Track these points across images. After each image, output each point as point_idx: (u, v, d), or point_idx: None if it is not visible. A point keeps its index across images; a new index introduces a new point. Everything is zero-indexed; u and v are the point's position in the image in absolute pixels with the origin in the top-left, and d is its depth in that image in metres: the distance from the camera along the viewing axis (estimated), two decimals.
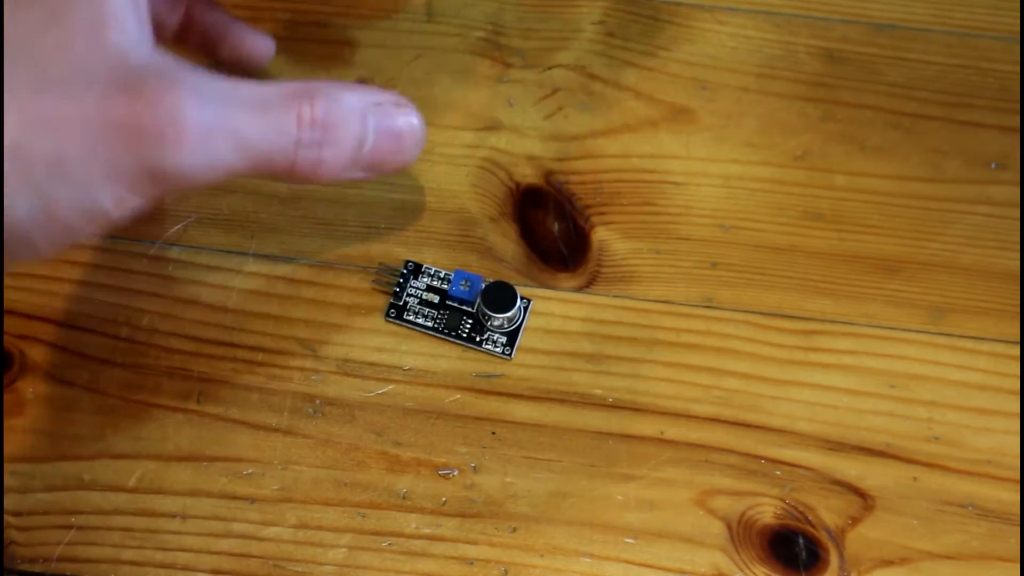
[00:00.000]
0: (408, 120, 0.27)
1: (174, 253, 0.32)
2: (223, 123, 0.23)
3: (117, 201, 0.23)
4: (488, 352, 0.31)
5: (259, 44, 0.32)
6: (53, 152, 0.22)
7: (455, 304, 0.31)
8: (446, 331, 0.31)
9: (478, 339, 0.31)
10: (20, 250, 0.23)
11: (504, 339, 0.31)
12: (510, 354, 0.31)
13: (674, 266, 0.33)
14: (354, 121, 0.26)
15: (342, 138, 0.25)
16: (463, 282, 0.31)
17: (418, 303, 0.31)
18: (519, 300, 0.31)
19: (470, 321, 0.31)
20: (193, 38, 0.32)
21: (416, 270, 0.32)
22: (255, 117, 0.24)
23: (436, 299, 0.31)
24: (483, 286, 0.31)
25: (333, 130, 0.25)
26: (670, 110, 0.35)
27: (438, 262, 0.32)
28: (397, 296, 0.31)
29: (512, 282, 0.31)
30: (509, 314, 0.31)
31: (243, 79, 0.24)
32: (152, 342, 0.31)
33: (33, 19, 0.23)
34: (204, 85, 0.23)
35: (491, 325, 0.31)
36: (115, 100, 0.22)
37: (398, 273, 0.32)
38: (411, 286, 0.32)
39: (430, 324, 0.31)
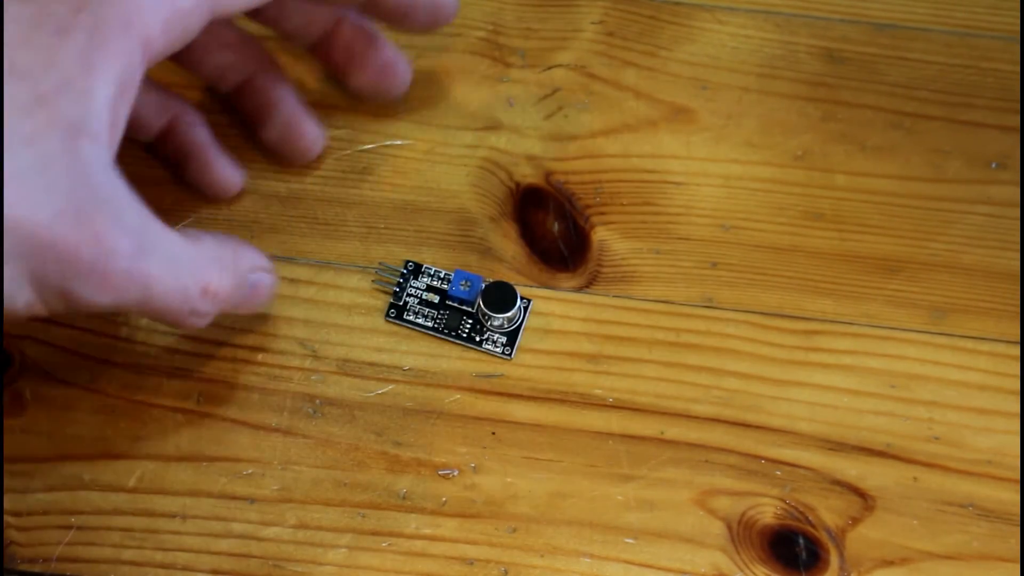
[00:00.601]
0: (271, 283, 0.29)
1: None
2: (141, 275, 0.24)
3: (27, 306, 0.24)
4: (488, 352, 0.31)
5: (226, 177, 0.32)
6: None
7: (455, 304, 0.31)
8: (446, 331, 0.31)
9: (478, 339, 0.31)
10: None
11: (504, 339, 0.31)
12: (510, 354, 0.31)
13: (674, 266, 0.33)
14: (239, 287, 0.28)
15: (223, 301, 0.27)
16: (463, 282, 0.31)
17: (418, 303, 0.31)
18: (519, 300, 0.31)
19: (470, 321, 0.31)
20: (165, 149, 0.32)
21: (416, 270, 0.32)
22: (168, 278, 0.25)
23: (436, 299, 0.31)
24: (483, 286, 0.31)
25: (222, 300, 0.27)
26: (670, 110, 0.35)
27: (438, 262, 0.32)
28: (397, 296, 0.31)
29: (512, 282, 0.31)
30: (509, 314, 0.31)
31: (169, 229, 0.25)
32: (152, 342, 0.31)
33: (21, 97, 0.23)
34: (140, 228, 0.24)
35: (491, 325, 0.31)
36: (65, 219, 0.23)
37: (398, 273, 0.32)
38: (411, 286, 0.32)
39: (430, 324, 0.31)
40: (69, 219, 0.23)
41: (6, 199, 0.22)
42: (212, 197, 0.32)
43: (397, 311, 0.31)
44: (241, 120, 0.33)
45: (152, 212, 0.25)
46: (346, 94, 0.34)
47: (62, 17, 0.24)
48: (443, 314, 0.31)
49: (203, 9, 0.26)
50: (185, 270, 0.26)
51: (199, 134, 0.32)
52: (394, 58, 0.33)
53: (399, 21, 0.32)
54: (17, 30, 0.23)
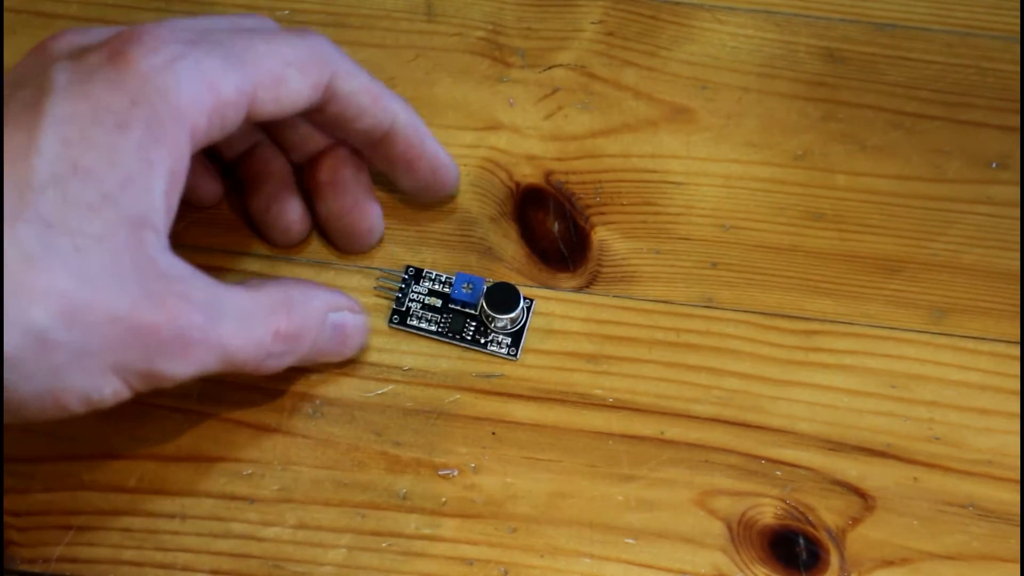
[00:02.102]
0: (357, 323, 0.30)
1: None
2: (216, 340, 0.25)
3: (115, 394, 0.24)
4: (493, 354, 0.31)
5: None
6: (79, 345, 0.23)
7: (458, 307, 0.31)
8: (450, 335, 0.31)
9: (483, 341, 0.31)
10: (8, 415, 0.24)
11: (508, 340, 0.31)
12: (515, 354, 0.31)
13: (674, 266, 0.33)
14: (315, 327, 0.28)
15: (301, 346, 0.28)
16: (465, 285, 0.31)
17: (421, 308, 0.31)
18: (522, 300, 0.31)
19: (474, 323, 0.31)
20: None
21: (417, 275, 0.32)
22: (240, 334, 0.26)
23: (439, 303, 0.31)
24: (485, 288, 0.31)
25: (297, 340, 0.27)
26: (670, 110, 0.35)
27: (438, 262, 0.32)
28: (399, 302, 0.31)
29: (512, 282, 0.31)
30: (513, 315, 0.31)
31: (231, 285, 0.26)
32: None
33: (85, 199, 0.23)
34: (208, 298, 0.25)
35: (495, 326, 0.31)
36: (141, 305, 0.24)
37: (399, 279, 0.32)
38: (413, 291, 0.32)
39: (434, 328, 0.31)
40: (145, 305, 0.24)
41: (88, 297, 0.23)
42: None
43: (400, 316, 0.31)
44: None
45: (213, 278, 0.26)
46: None
47: (119, 112, 0.24)
48: (446, 318, 0.31)
49: (242, 102, 0.26)
50: (255, 321, 0.26)
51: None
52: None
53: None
54: (75, 128, 0.23)
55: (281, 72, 0.27)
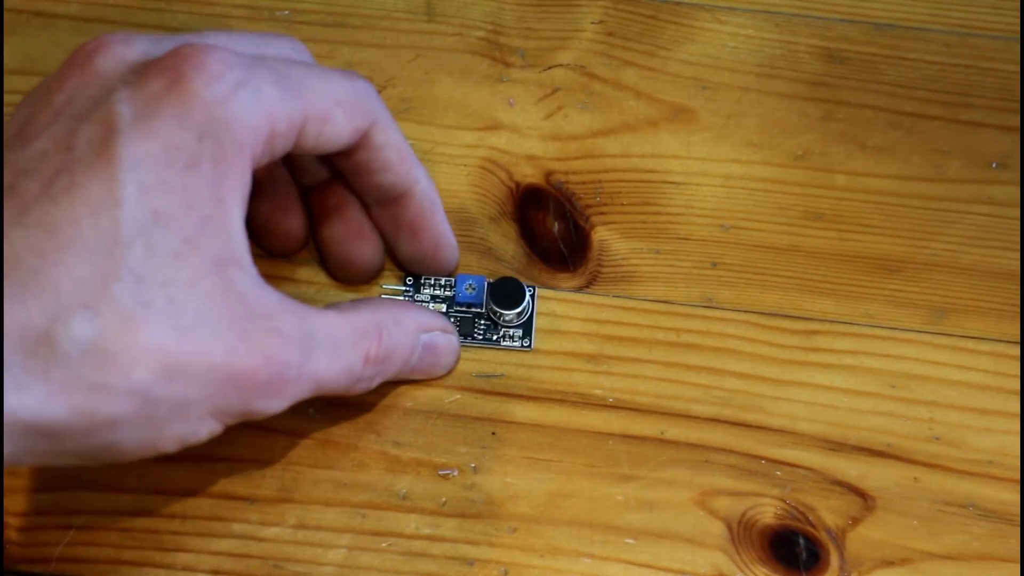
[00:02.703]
0: (449, 343, 0.30)
1: None
2: (309, 372, 0.25)
3: (210, 433, 0.24)
4: (508, 348, 0.31)
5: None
6: (180, 398, 0.23)
7: (464, 309, 0.31)
8: (462, 337, 0.31)
9: (495, 338, 0.31)
10: (107, 459, 0.24)
11: (520, 332, 0.31)
12: (529, 345, 0.31)
13: (674, 266, 0.33)
14: (407, 349, 0.28)
15: (392, 367, 0.28)
16: (468, 285, 0.31)
17: None
18: (527, 291, 0.31)
19: (483, 322, 0.31)
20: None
21: (416, 283, 0.32)
22: (332, 363, 0.26)
23: (444, 308, 0.31)
24: (488, 285, 0.31)
25: (389, 362, 0.28)
26: (670, 110, 0.35)
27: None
28: None
29: (517, 277, 0.31)
30: (520, 308, 0.31)
31: (322, 311, 0.26)
32: None
33: (170, 247, 0.23)
34: (301, 332, 0.25)
35: (504, 321, 0.31)
36: (237, 351, 0.23)
37: (400, 293, 0.32)
38: (416, 301, 0.32)
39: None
40: (242, 350, 0.23)
41: (187, 349, 0.23)
42: (271, 240, 0.32)
43: None
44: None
45: (301, 305, 0.25)
46: None
47: (189, 150, 0.23)
48: (455, 321, 0.31)
49: (292, 134, 0.26)
50: (346, 348, 0.26)
51: (283, 174, 0.31)
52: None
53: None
54: (150, 173, 0.23)
55: (330, 110, 0.26)
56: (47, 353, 0.21)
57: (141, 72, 0.24)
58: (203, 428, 0.24)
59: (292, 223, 0.31)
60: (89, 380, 0.22)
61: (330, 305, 0.27)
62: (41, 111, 0.24)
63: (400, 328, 0.28)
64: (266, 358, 0.24)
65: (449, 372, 0.30)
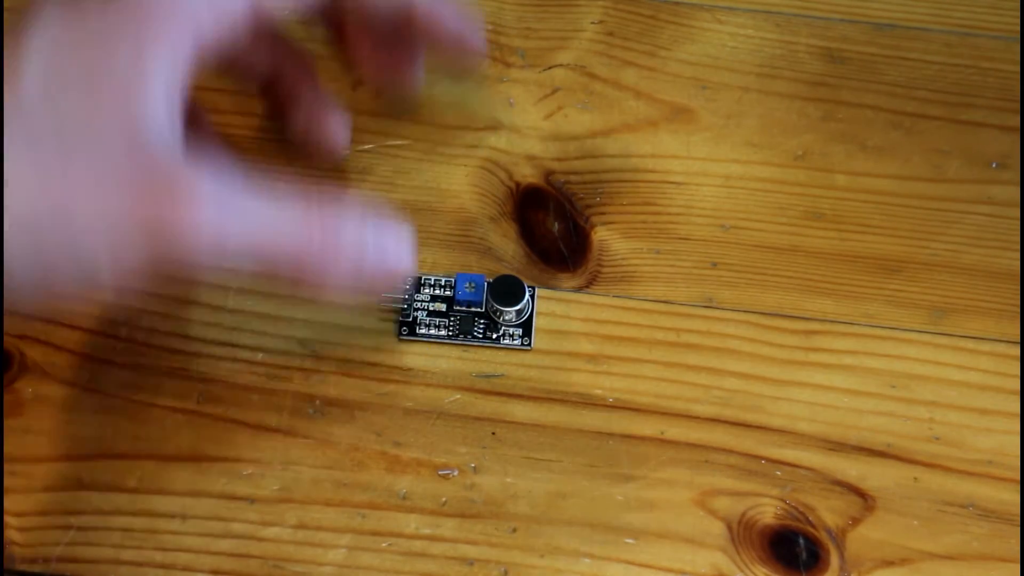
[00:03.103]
0: (400, 233, 0.27)
1: None
2: (234, 209, 0.24)
3: (113, 275, 0.24)
4: (508, 347, 0.31)
5: (332, 132, 0.31)
6: (62, 223, 0.23)
7: (463, 308, 0.31)
8: (461, 336, 0.31)
9: (495, 336, 0.31)
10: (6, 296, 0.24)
11: (520, 331, 0.31)
12: (529, 344, 0.31)
13: (674, 266, 0.33)
14: (355, 230, 0.26)
15: (345, 245, 0.26)
16: (468, 284, 0.31)
17: (427, 315, 0.31)
18: (526, 289, 0.31)
19: (482, 321, 0.31)
20: (273, 95, 0.31)
21: (417, 283, 0.32)
22: (265, 209, 0.25)
23: (443, 307, 0.31)
24: (487, 284, 0.31)
25: (336, 234, 0.26)
26: (670, 110, 0.35)
27: (438, 263, 0.32)
28: (405, 313, 0.31)
29: (517, 276, 0.31)
30: (520, 306, 0.31)
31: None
32: (152, 342, 0.31)
33: (77, 114, 0.23)
34: (216, 192, 0.24)
35: (503, 320, 0.31)
36: (144, 202, 0.23)
37: (400, 293, 0.32)
38: (416, 300, 0.32)
39: (444, 333, 0.31)
40: (147, 199, 0.23)
41: (81, 200, 0.23)
42: (316, 156, 0.31)
43: (409, 328, 0.31)
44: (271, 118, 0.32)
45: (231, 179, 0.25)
46: (345, 96, 0.35)
47: (111, 24, 0.24)
48: (454, 320, 0.31)
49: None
50: (280, 200, 0.25)
51: (307, 81, 0.31)
52: (467, 25, 0.30)
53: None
54: (65, 47, 0.24)
55: None
56: None
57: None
58: (105, 271, 0.24)
59: (335, 129, 0.31)
60: None
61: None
62: None
63: (342, 207, 0.26)
64: (169, 185, 0.24)
65: (407, 273, 0.28)
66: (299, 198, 0.26)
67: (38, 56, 0.24)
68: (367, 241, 0.26)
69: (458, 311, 0.31)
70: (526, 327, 0.31)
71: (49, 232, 0.23)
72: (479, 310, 0.31)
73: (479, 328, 0.31)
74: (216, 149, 0.25)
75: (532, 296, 0.32)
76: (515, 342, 0.31)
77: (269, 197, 0.25)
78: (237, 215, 0.24)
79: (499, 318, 0.31)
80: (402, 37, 0.30)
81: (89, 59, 0.24)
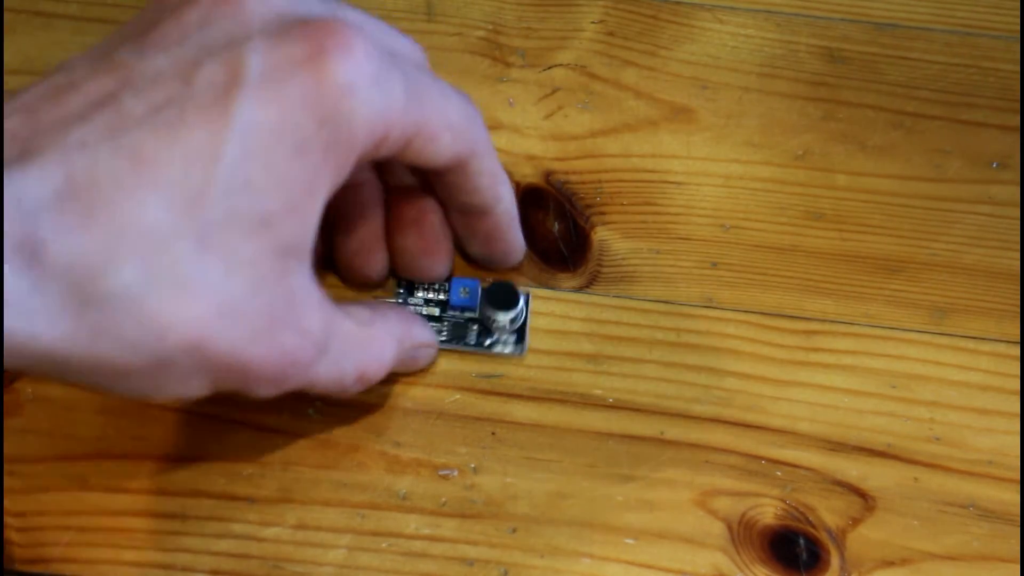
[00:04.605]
0: (430, 356, 0.30)
1: None
2: (312, 376, 0.25)
3: (198, 394, 0.24)
4: (500, 354, 0.31)
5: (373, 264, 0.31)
6: (192, 368, 0.23)
7: (457, 313, 0.31)
8: (454, 341, 0.31)
9: (487, 343, 0.31)
10: (99, 390, 0.24)
11: (513, 337, 0.31)
12: (522, 351, 0.31)
13: (674, 266, 0.33)
14: (394, 363, 0.28)
15: (376, 380, 0.27)
16: (462, 290, 0.31)
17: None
18: (521, 296, 0.31)
19: (475, 326, 0.31)
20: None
21: (410, 288, 0.32)
22: (331, 372, 0.26)
23: (437, 311, 0.31)
24: (482, 289, 0.31)
25: (377, 379, 0.27)
26: (670, 109, 0.35)
27: None
28: None
29: (512, 282, 0.31)
30: (513, 314, 0.31)
31: (344, 314, 0.26)
32: None
33: (248, 219, 0.22)
34: (322, 333, 0.25)
35: (496, 326, 0.31)
36: (260, 341, 0.23)
37: (392, 295, 0.31)
38: (409, 304, 0.31)
39: (439, 338, 0.31)
40: (264, 340, 0.23)
41: (220, 329, 0.22)
42: (354, 277, 0.31)
43: None
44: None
45: (333, 304, 0.25)
46: None
47: (305, 132, 0.22)
48: (447, 325, 0.31)
49: (400, 145, 0.25)
50: (348, 361, 0.26)
51: (376, 209, 0.30)
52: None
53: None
54: (259, 139, 0.21)
55: (440, 131, 0.25)
56: (89, 291, 0.20)
57: (284, 28, 0.22)
58: (196, 391, 0.23)
59: (378, 267, 0.31)
60: (118, 330, 0.21)
61: (350, 305, 0.27)
62: (169, 20, 0.23)
63: (400, 348, 0.28)
64: (282, 353, 0.23)
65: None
66: (367, 310, 0.27)
67: (240, 141, 0.21)
68: (402, 364, 0.29)
69: (451, 316, 0.31)
70: (520, 333, 0.31)
71: (179, 358, 0.22)
72: (473, 315, 0.31)
73: (472, 333, 0.31)
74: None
75: (527, 302, 0.31)
76: (507, 348, 0.31)
77: (351, 328, 0.26)
78: (323, 358, 0.25)
79: (492, 324, 0.31)
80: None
81: (277, 163, 0.22)
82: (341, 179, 0.24)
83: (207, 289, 0.21)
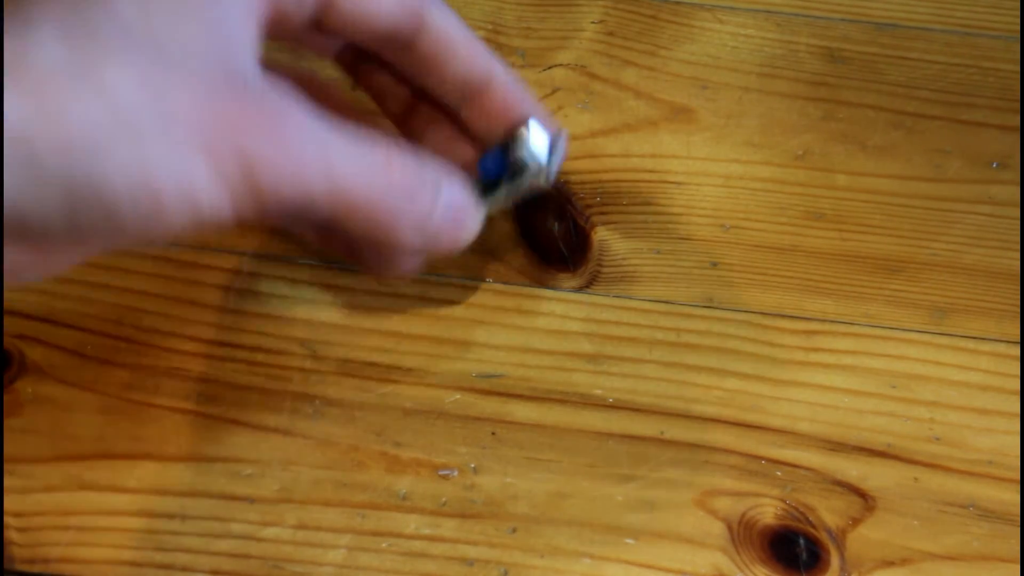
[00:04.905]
0: (467, 203, 0.27)
1: (174, 253, 0.32)
2: (322, 155, 0.23)
3: (211, 198, 0.22)
4: (534, 186, 0.29)
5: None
6: (160, 115, 0.21)
7: (496, 179, 0.29)
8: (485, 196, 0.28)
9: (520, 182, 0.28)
10: (102, 227, 0.22)
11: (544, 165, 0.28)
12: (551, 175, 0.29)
13: (674, 266, 0.33)
14: (430, 184, 0.26)
15: (419, 197, 0.25)
16: (490, 158, 0.29)
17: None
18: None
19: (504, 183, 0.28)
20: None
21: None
22: (350, 159, 0.24)
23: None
24: (497, 150, 0.29)
25: (415, 198, 0.25)
26: (670, 109, 0.35)
27: (437, 262, 0.32)
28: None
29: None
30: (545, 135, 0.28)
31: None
32: (152, 342, 0.31)
33: (163, 2, 0.22)
34: (302, 121, 0.23)
35: (528, 153, 0.28)
36: (226, 95, 0.22)
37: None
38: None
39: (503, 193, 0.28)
40: (229, 94, 0.22)
41: (168, 75, 0.21)
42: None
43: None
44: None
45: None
46: (345, 96, 0.34)
47: None
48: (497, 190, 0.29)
49: None
50: (363, 156, 0.24)
51: (441, 114, 0.29)
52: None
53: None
54: None
55: None
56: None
57: None
58: (200, 175, 0.22)
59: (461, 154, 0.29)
60: (67, 84, 0.20)
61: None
62: None
63: (419, 156, 0.26)
64: (258, 105, 0.23)
65: (468, 242, 0.28)
66: (379, 141, 0.25)
67: None
68: (441, 194, 0.26)
69: (495, 182, 0.29)
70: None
71: (150, 136, 0.21)
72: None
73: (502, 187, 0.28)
74: (290, 87, 0.24)
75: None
76: (540, 180, 0.28)
77: (352, 136, 0.24)
78: (324, 151, 0.23)
79: (523, 154, 0.28)
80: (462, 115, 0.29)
81: None
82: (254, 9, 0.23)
83: (137, 46, 0.22)
